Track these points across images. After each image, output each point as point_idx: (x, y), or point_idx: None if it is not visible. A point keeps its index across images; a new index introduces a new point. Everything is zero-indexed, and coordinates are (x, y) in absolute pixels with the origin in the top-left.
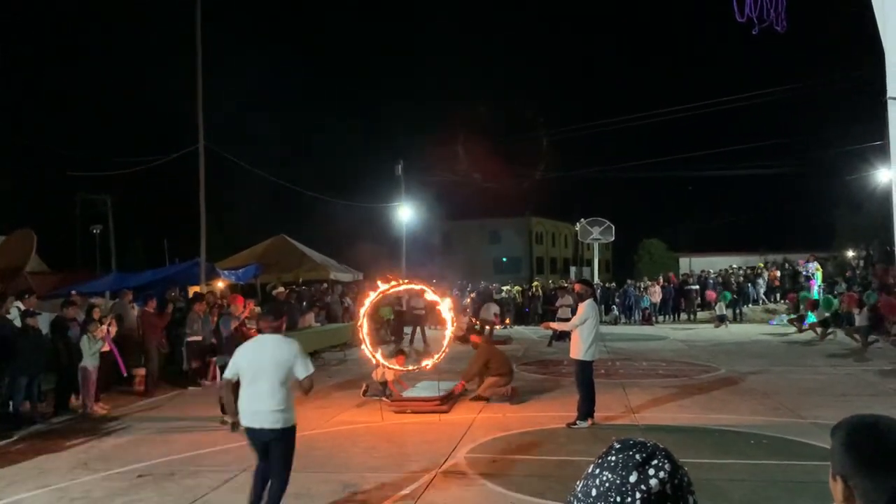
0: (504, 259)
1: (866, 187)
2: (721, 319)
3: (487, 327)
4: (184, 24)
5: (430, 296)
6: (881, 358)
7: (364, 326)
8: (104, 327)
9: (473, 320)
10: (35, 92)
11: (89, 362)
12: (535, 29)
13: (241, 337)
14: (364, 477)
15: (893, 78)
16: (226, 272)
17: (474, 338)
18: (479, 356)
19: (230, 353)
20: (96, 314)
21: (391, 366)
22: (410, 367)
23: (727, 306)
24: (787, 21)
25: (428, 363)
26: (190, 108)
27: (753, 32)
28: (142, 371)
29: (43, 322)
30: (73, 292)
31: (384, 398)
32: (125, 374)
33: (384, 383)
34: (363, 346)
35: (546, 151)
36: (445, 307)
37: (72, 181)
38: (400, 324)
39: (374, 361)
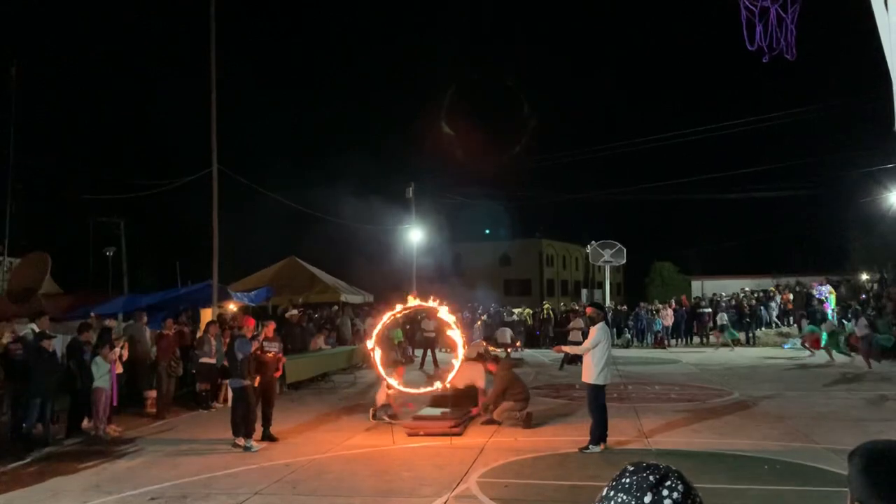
0: (487, 229)
1: (880, 209)
2: (722, 330)
3: (505, 350)
4: (199, 48)
5: (443, 316)
6: None
7: (376, 349)
8: (116, 350)
9: (484, 344)
10: (49, 115)
11: (101, 384)
12: (548, 50)
13: (254, 360)
14: (376, 501)
15: None
16: (238, 294)
17: (491, 366)
18: (498, 384)
19: (242, 375)
20: (113, 338)
21: (391, 380)
22: (421, 390)
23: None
24: (796, 49)
25: (439, 385)
26: (204, 132)
27: (764, 60)
28: (153, 393)
29: (57, 344)
30: (92, 314)
31: (386, 418)
32: (115, 405)
33: (386, 406)
34: (377, 366)
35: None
36: (455, 330)
37: (86, 204)
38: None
39: (385, 384)
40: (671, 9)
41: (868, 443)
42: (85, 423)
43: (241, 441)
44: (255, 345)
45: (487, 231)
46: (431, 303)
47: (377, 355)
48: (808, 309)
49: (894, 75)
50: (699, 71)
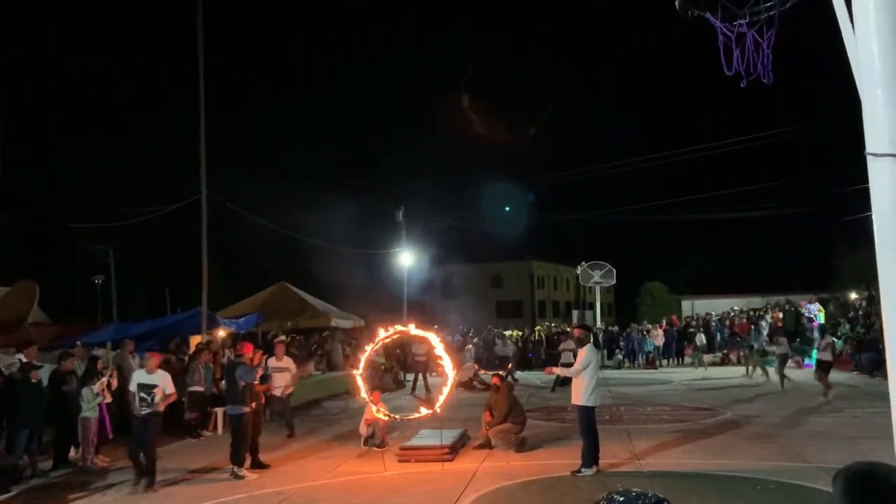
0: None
1: (867, 227)
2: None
3: (509, 372)
4: (187, 74)
5: (432, 341)
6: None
7: (362, 374)
8: (104, 379)
9: (476, 367)
10: (37, 142)
11: (89, 414)
12: (535, 72)
13: (248, 388)
14: None
15: (871, 133)
16: (226, 321)
17: (496, 379)
18: (504, 404)
19: (244, 402)
20: (99, 366)
21: (372, 404)
22: (413, 415)
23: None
24: (773, 73)
25: (426, 410)
26: (193, 158)
27: (742, 85)
28: None
29: (43, 374)
30: (78, 343)
31: (375, 448)
32: (111, 437)
33: (370, 437)
34: (360, 388)
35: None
36: (443, 354)
37: (74, 232)
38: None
39: (373, 409)
40: (653, 33)
41: (852, 464)
42: (72, 453)
43: (236, 469)
44: (260, 372)
45: (507, 208)
46: (415, 329)
47: (361, 381)
48: (797, 327)
49: (863, 97)
50: (686, 92)
